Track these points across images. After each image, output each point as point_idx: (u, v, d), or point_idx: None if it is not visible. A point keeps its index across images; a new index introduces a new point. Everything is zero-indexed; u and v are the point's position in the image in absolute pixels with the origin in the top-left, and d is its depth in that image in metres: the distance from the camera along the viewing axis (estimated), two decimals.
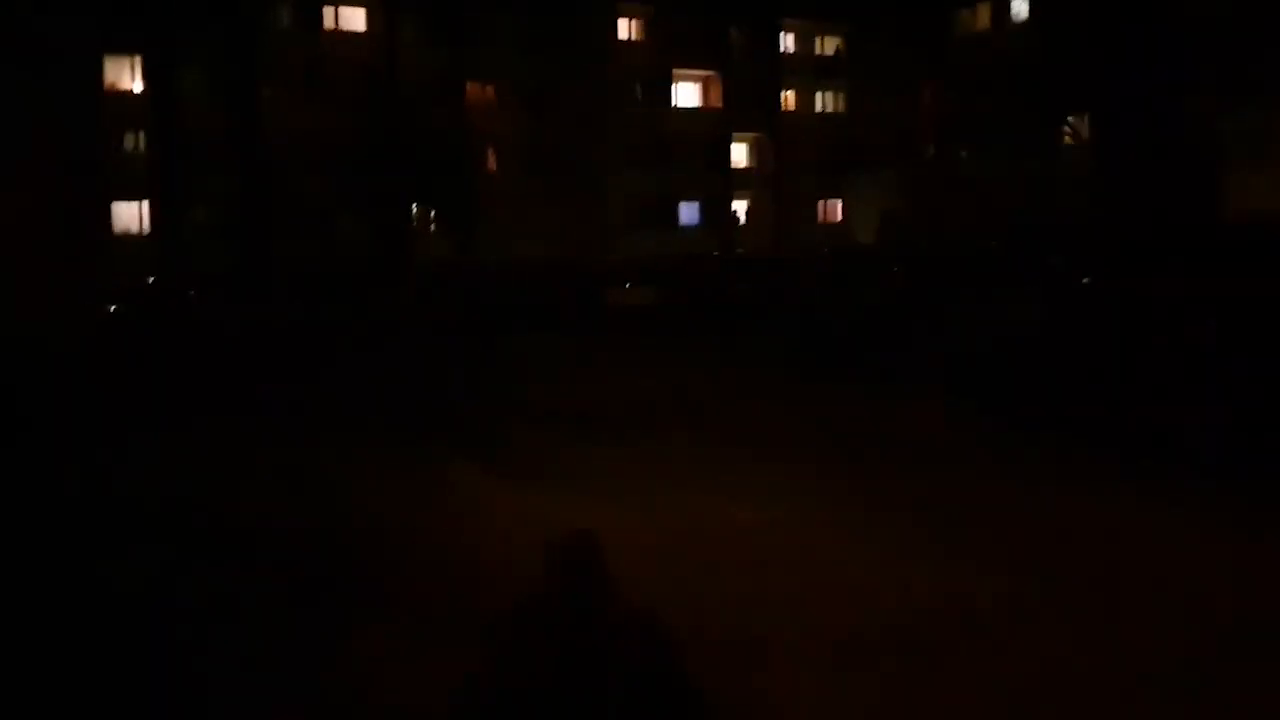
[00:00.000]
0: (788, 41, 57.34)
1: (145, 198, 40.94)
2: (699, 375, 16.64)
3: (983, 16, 52.41)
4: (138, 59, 41.26)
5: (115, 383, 16.71)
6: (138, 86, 41.39)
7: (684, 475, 10.83)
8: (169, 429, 13.01)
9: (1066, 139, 47.08)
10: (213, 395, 15.36)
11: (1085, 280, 15.70)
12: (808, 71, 57.37)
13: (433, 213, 47.32)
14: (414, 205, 46.39)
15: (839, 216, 57.85)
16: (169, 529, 9.08)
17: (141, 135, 41.55)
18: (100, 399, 15.26)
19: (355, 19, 46.50)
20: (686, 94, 54.61)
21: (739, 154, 56.01)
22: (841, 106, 59.06)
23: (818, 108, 58.67)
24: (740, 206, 55.60)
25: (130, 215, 41.12)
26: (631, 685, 3.62)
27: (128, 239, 40.54)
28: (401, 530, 9.16)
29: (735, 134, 54.84)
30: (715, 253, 41.88)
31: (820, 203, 57.74)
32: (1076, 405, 12.12)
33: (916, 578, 7.53)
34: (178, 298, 27.17)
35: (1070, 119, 47.14)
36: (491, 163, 49.34)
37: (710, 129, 53.92)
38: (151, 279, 32.31)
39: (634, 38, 52.73)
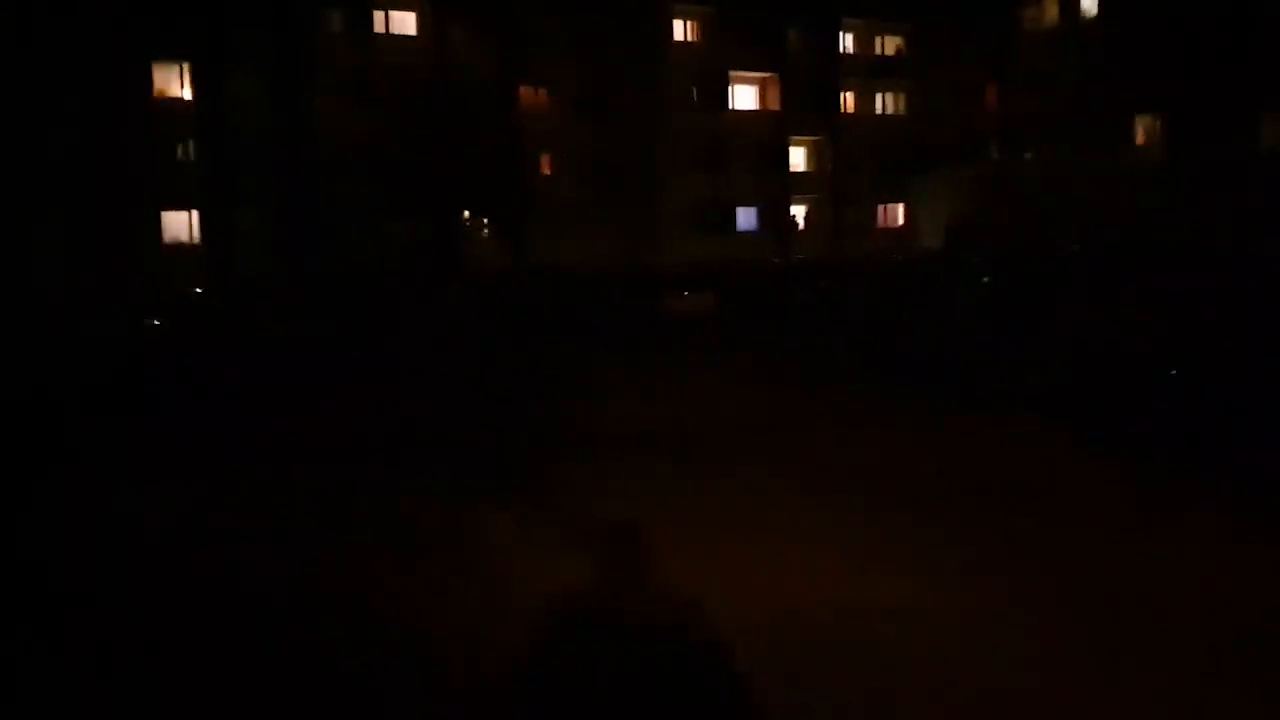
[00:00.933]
0: (847, 42, 55.89)
1: (196, 207, 40.31)
2: (773, 393, 15.41)
3: (1050, 13, 50.68)
4: (186, 66, 40.48)
5: (135, 408, 15.80)
6: (187, 94, 40.70)
7: (782, 532, 8.89)
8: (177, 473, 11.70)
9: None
10: (218, 430, 14.19)
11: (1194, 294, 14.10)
12: (867, 72, 55.87)
13: (486, 219, 46.51)
14: (466, 212, 45.58)
15: (900, 221, 56.28)
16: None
17: (192, 144, 40.86)
18: (118, 428, 14.30)
19: (406, 23, 45.71)
20: (744, 96, 53.36)
21: (797, 157, 54.66)
22: (902, 108, 57.51)
23: (878, 109, 57.14)
24: (798, 211, 54.24)
25: (181, 224, 40.47)
26: (671, 686, 3.47)
27: (179, 248, 40.00)
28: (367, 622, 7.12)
29: (793, 137, 53.50)
30: (776, 258, 40.52)
31: (880, 207, 56.20)
32: (1227, 442, 10.23)
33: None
34: (217, 310, 26.32)
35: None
36: (545, 167, 48.41)
37: (768, 132, 52.64)
38: (198, 290, 31.57)
39: (690, 39, 51.57)
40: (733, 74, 52.05)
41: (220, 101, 40.40)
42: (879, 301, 19.42)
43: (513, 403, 15.28)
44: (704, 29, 51.61)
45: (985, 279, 18.67)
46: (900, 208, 56.22)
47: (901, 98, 57.32)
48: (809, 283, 28.96)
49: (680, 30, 51.24)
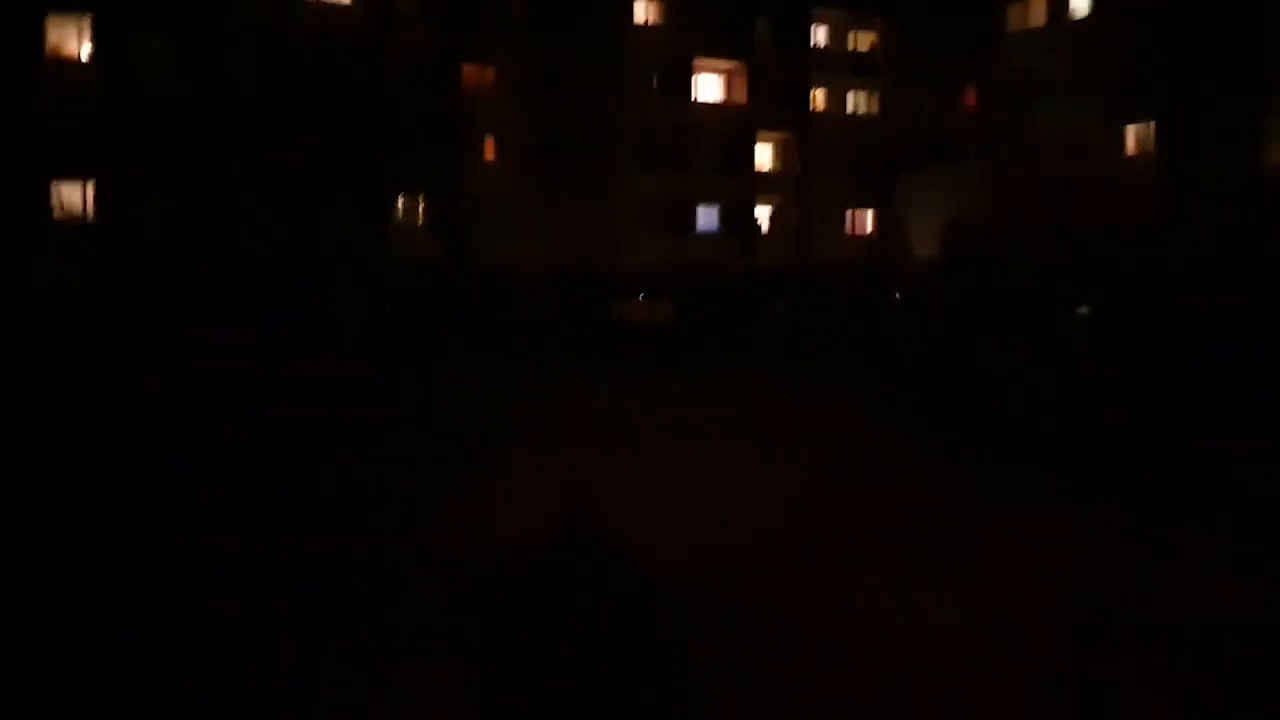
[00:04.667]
0: (819, 35, 52.35)
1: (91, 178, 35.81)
2: (757, 446, 11.30)
3: (1037, 12, 47.43)
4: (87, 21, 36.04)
5: None
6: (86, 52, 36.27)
7: None
8: None
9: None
10: None
11: None
12: (840, 68, 52.35)
13: (421, 210, 42.41)
14: (398, 198, 41.48)
15: (869, 228, 52.89)
16: None
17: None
18: None
19: None
20: (708, 87, 49.58)
21: (763, 155, 51.00)
22: (875, 108, 54.00)
23: (849, 108, 53.60)
24: (762, 213, 50.57)
25: (75, 197, 35.96)
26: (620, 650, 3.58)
27: (74, 225, 35.50)
28: None
29: (760, 133, 49.80)
30: (743, 263, 36.71)
31: (849, 212, 52.67)
32: None
33: None
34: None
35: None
36: (489, 153, 44.31)
37: (732, 126, 48.90)
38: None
39: (651, 21, 47.70)
40: (697, 62, 48.27)
41: (124, 65, 36.03)
42: (902, 326, 15.27)
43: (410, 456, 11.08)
44: (666, 12, 47.80)
45: (1082, 309, 14.40)
46: (869, 214, 52.84)
47: (875, 97, 53.84)
48: (782, 293, 25.18)
49: (641, 12, 47.39)
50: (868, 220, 53.00)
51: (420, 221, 42.52)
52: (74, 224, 35.53)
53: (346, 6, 41.24)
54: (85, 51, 36.35)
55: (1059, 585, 7.55)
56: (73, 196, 35.84)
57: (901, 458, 10.82)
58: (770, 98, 49.55)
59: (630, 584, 3.68)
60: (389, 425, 13.05)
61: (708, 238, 47.44)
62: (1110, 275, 15.78)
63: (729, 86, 49.93)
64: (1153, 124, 42.11)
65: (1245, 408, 10.15)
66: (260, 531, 8.61)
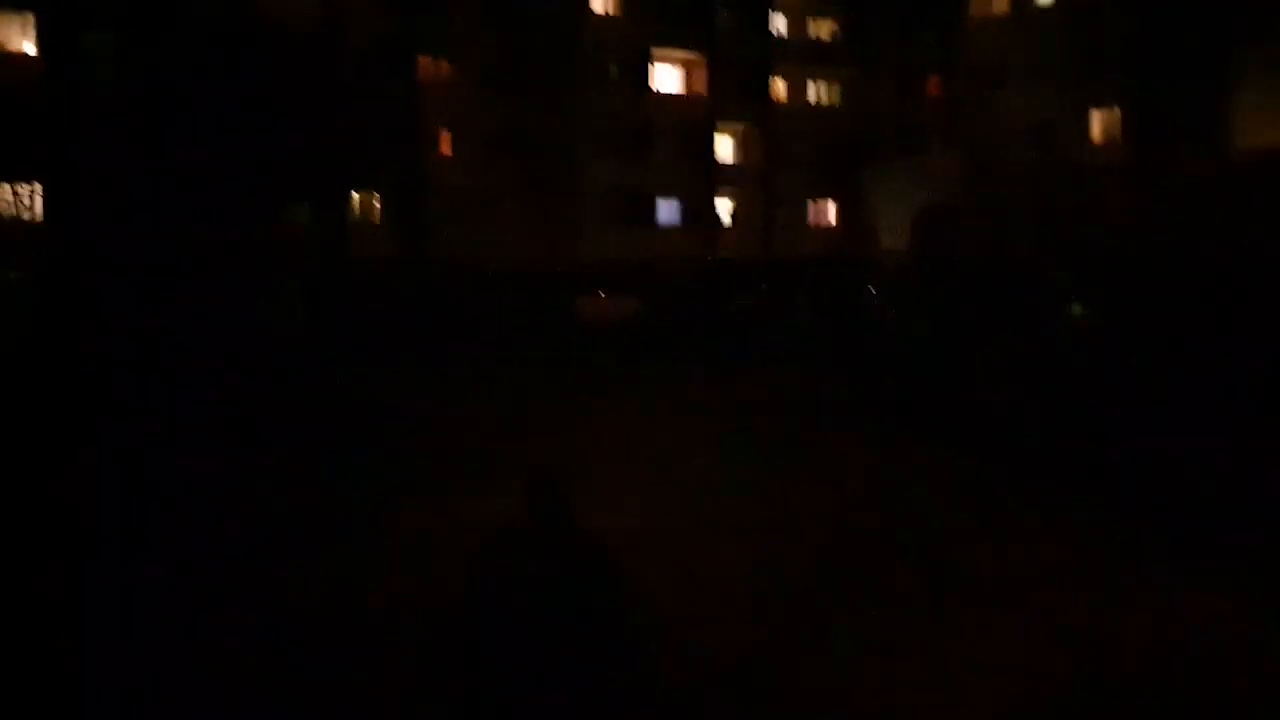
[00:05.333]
0: (779, 23, 51.63)
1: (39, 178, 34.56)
2: (748, 478, 9.64)
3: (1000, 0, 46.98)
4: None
5: None
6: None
7: None
8: None
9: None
10: None
11: None
12: (800, 57, 51.65)
13: (377, 204, 41.37)
14: (353, 194, 40.42)
15: (831, 219, 52.30)
16: None
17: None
18: None
19: None
20: (667, 78, 48.76)
21: (724, 148, 50.24)
22: (836, 98, 53.37)
23: (810, 98, 52.94)
24: (724, 205, 49.89)
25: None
26: (579, 612, 3.99)
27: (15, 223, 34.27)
28: None
29: (720, 124, 49.05)
30: (709, 256, 35.97)
31: (812, 204, 52.06)
32: None
33: None
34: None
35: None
36: (446, 147, 43.29)
37: (693, 117, 48.13)
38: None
39: (609, 12, 46.81)
40: (655, 52, 47.42)
41: (71, 61, 34.81)
42: (882, 324, 14.39)
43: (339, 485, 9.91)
44: (624, 2, 46.92)
45: (1076, 309, 13.41)
46: (831, 205, 52.27)
47: (836, 87, 53.22)
48: (749, 287, 24.46)
49: (599, 2, 46.48)
50: (830, 212, 52.40)
51: (378, 218, 41.49)
52: (18, 224, 34.33)
53: None
54: (30, 47, 34.99)
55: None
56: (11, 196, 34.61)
57: (919, 483, 9.55)
58: (731, 88, 48.84)
59: None
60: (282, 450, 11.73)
61: (670, 231, 46.70)
62: (1101, 270, 15.11)
63: (689, 77, 49.17)
64: (1118, 109, 41.80)
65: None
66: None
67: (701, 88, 48.64)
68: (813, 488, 9.28)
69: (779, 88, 51.55)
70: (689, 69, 48.99)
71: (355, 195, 40.83)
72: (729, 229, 49.17)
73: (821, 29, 53.04)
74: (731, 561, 7.63)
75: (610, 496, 8.54)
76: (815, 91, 53.05)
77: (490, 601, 3.99)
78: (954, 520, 8.44)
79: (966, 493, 9.16)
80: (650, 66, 47.47)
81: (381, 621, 6.60)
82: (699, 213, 47.90)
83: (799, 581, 7.28)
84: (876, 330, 14.38)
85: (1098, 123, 42.51)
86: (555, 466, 4.01)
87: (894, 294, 17.86)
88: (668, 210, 47.79)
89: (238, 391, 13.86)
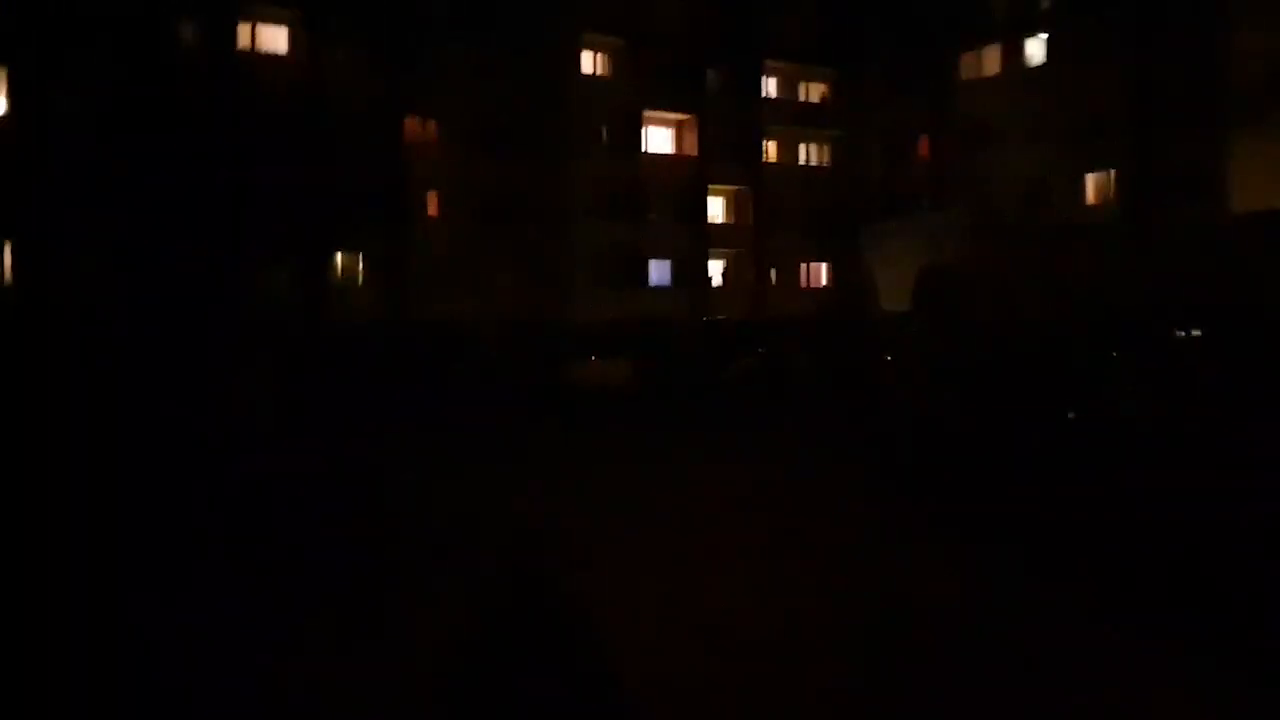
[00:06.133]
0: (770, 86, 51.33)
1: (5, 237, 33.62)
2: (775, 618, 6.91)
3: (990, 60, 46.79)
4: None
5: None
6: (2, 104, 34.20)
7: None
8: None
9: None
10: None
11: None
12: (791, 119, 51.29)
13: (361, 265, 40.53)
14: (337, 253, 39.63)
15: (823, 280, 51.67)
16: None
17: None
18: None
19: (277, 39, 39.75)
20: (658, 139, 48.30)
21: (715, 208, 49.70)
22: (826, 159, 52.99)
23: (801, 159, 52.54)
24: (715, 266, 49.24)
25: None
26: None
27: None
28: None
29: (711, 186, 48.53)
30: (705, 316, 35.09)
31: (803, 265, 51.46)
32: None
33: None
34: None
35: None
36: (432, 208, 42.55)
37: (684, 179, 47.61)
38: None
39: (600, 73, 46.42)
40: (647, 114, 47.00)
41: (44, 118, 34.04)
42: (902, 393, 13.00)
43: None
44: (616, 63, 46.56)
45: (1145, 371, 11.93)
46: (823, 267, 51.65)
47: (826, 148, 52.87)
48: (745, 347, 23.54)
49: (589, 63, 46.11)
50: (823, 273, 51.80)
51: (361, 280, 40.65)
52: None
53: (282, 57, 39.54)
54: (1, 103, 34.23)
55: None
56: None
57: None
58: (721, 150, 48.42)
59: None
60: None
61: (660, 292, 45.95)
62: (1154, 331, 14.11)
63: (679, 138, 48.74)
64: (1113, 172, 41.42)
65: None
66: None
67: (693, 149, 48.18)
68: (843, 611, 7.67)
69: (770, 149, 51.15)
70: (680, 130, 48.58)
71: (338, 256, 40.05)
72: (720, 289, 48.49)
73: (812, 91, 52.75)
74: None
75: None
76: (806, 152, 52.68)
77: None
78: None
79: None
80: (642, 128, 47.00)
81: None
82: (690, 273, 47.23)
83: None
84: (890, 397, 13.28)
85: (1091, 184, 42.13)
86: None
87: (905, 358, 16.88)
88: (659, 271, 47.11)
89: (188, 477, 12.71)
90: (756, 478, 11.92)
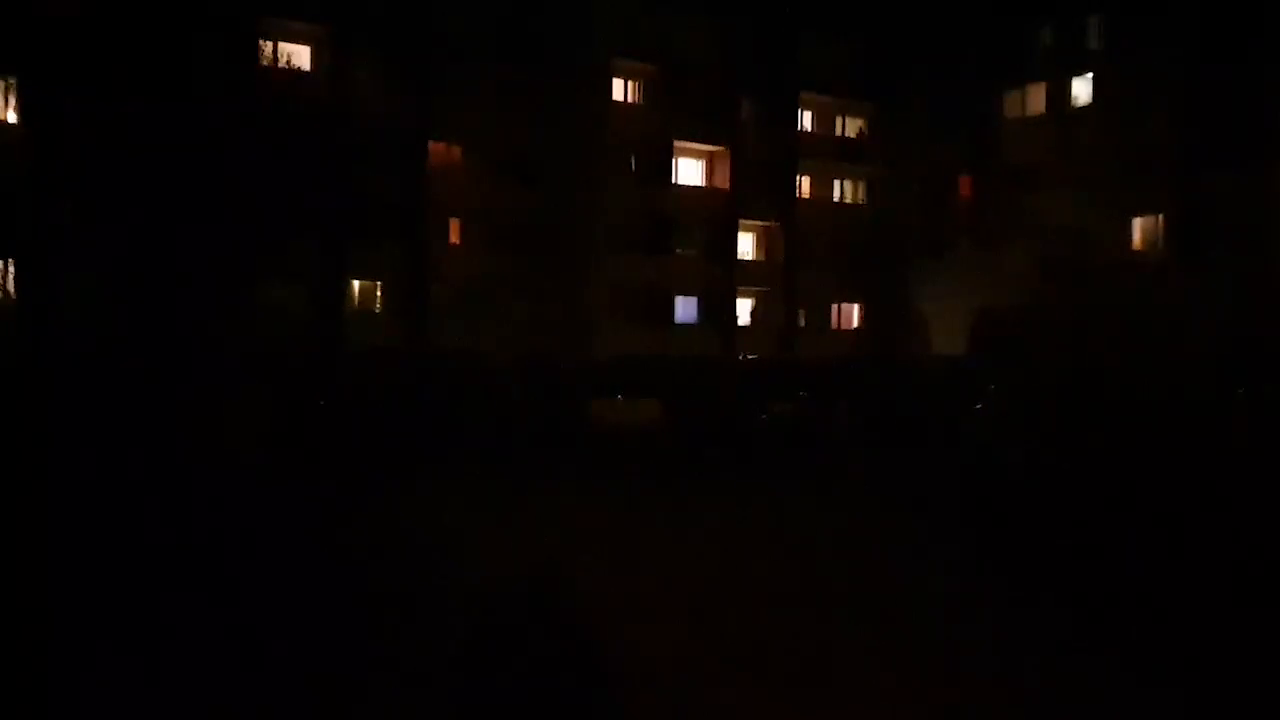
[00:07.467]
0: (805, 120, 49.81)
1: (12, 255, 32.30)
2: None
3: (1035, 99, 45.23)
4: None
5: None
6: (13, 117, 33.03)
7: None
8: None
9: None
10: None
11: None
12: (826, 155, 49.67)
13: (378, 291, 39.15)
14: (354, 280, 38.24)
15: (854, 322, 50.03)
16: None
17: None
18: None
19: (300, 57, 38.54)
20: (689, 171, 46.81)
21: (745, 244, 48.13)
22: (862, 196, 51.40)
23: (836, 196, 50.96)
24: (744, 305, 47.62)
25: None
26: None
27: None
28: None
29: (742, 221, 46.95)
30: (736, 355, 33.43)
31: (835, 306, 49.80)
32: None
33: None
34: None
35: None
36: (455, 236, 41.15)
37: (714, 213, 46.04)
38: None
39: (631, 100, 45.06)
40: (678, 145, 45.53)
41: (56, 129, 32.77)
42: (992, 448, 11.19)
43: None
44: (647, 91, 45.22)
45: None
46: (855, 309, 50.02)
47: (861, 185, 51.29)
48: (782, 390, 21.89)
49: (620, 91, 44.76)
50: (854, 315, 50.15)
51: (379, 307, 39.26)
52: None
53: (307, 74, 38.34)
54: (11, 115, 33.06)
55: None
56: None
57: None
58: (754, 183, 46.87)
59: None
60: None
61: (686, 329, 44.32)
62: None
63: (710, 171, 47.24)
64: (1160, 217, 39.78)
65: None
66: None
67: (725, 182, 46.65)
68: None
69: (804, 184, 49.60)
70: (711, 162, 47.11)
71: (355, 283, 38.68)
72: (748, 329, 46.87)
73: (849, 127, 51.24)
74: None
75: None
76: (841, 189, 51.12)
77: None
78: None
79: None
80: (672, 159, 45.56)
81: None
82: (718, 311, 45.61)
83: None
84: (982, 455, 11.45)
85: (1138, 227, 40.50)
86: None
87: (1006, 406, 15.11)
88: (685, 308, 45.53)
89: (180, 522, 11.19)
90: (779, 536, 10.11)
